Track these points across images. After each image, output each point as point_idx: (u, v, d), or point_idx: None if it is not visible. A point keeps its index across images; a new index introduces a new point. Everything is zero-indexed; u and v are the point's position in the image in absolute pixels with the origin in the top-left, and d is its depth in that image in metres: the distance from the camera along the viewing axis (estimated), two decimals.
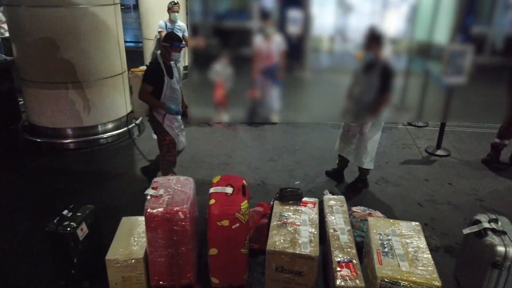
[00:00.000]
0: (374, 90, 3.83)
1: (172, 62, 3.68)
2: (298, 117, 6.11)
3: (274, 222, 2.75)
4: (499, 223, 2.53)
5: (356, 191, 4.15)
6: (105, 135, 5.16)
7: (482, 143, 5.21)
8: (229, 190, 2.66)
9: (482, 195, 4.11)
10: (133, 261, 2.61)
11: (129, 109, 5.50)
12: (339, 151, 4.17)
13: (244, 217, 2.54)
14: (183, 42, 3.86)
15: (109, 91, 5.08)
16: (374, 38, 3.84)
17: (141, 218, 2.78)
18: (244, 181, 2.81)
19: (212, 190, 2.70)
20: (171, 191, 2.65)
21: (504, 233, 2.43)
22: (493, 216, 2.59)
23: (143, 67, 4.42)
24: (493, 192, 4.18)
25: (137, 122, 5.56)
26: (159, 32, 6.01)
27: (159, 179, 2.82)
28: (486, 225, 2.50)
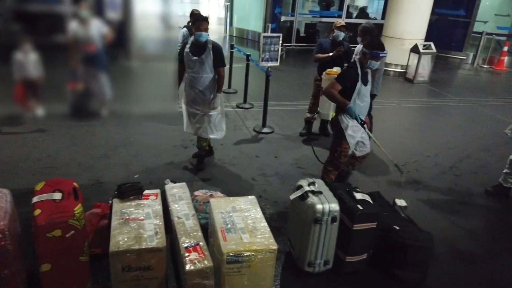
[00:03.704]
0: (210, 68, 4.02)
1: (368, 70, 3.60)
2: (130, 109, 5.81)
3: (115, 221, 2.59)
4: (316, 185, 2.99)
5: (196, 176, 4.26)
6: None
7: (298, 118, 6.00)
8: (57, 196, 2.38)
9: (302, 163, 4.77)
10: None
11: None
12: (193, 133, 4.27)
13: (80, 223, 2.32)
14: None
15: None
16: (203, 19, 4.05)
17: None
18: (75, 183, 2.56)
19: (35, 199, 2.36)
20: None
21: (320, 193, 2.89)
22: (311, 180, 3.05)
23: (337, 69, 4.61)
24: (309, 159, 4.89)
25: None
26: None
27: None
28: (307, 188, 2.92)
